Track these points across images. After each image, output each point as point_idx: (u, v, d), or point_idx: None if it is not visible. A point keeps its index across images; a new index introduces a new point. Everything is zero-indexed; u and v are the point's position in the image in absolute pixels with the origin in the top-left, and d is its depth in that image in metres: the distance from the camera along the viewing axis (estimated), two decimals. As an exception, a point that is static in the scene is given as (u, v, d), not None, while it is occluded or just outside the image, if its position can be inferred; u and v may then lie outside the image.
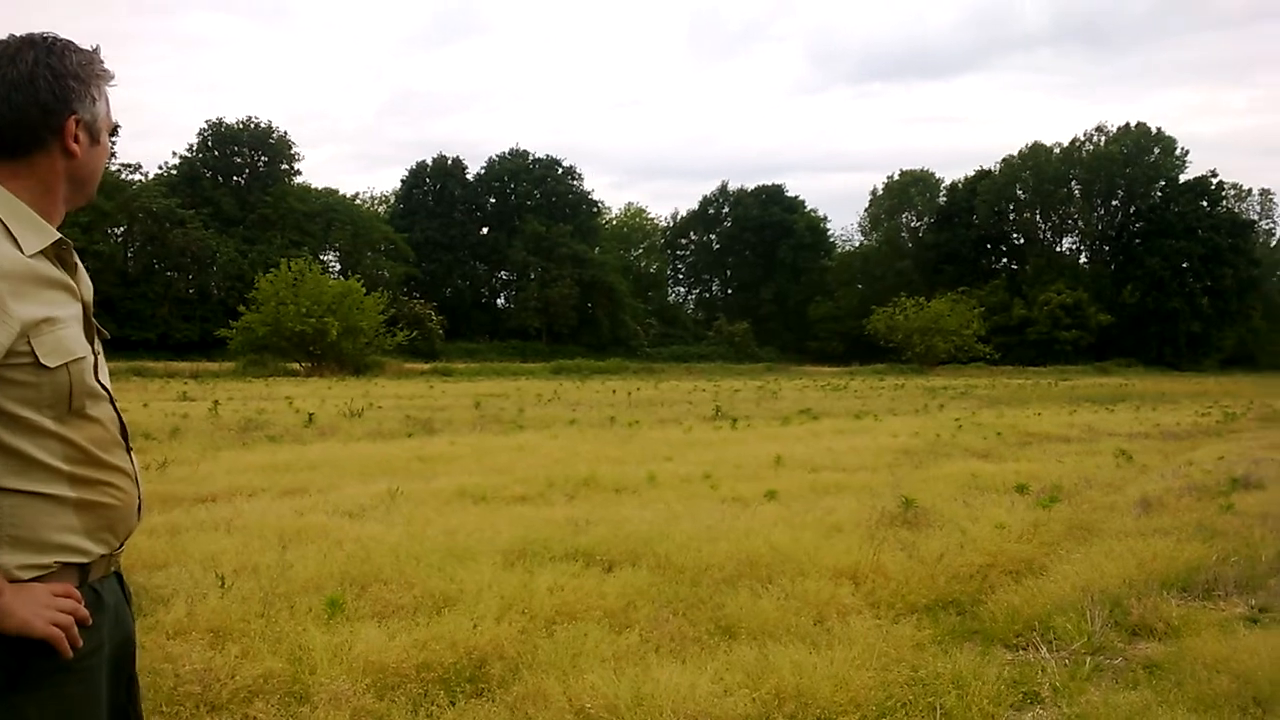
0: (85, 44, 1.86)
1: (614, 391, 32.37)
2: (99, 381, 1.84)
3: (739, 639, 4.82)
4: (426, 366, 54.61)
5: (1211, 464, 12.08)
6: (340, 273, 66.84)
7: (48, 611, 1.68)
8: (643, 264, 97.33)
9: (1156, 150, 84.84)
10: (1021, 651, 5.05)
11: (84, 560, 1.79)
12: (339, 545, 6.34)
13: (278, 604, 4.96)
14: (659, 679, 4.02)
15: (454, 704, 4.00)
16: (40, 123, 1.76)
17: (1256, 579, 6.30)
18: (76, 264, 1.85)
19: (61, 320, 1.74)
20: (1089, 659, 4.82)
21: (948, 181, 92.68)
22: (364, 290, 50.53)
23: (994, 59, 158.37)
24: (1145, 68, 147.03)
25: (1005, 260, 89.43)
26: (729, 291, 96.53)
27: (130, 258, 65.44)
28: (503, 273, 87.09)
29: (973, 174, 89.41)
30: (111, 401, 1.89)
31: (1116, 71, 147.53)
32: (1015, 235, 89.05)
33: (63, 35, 1.84)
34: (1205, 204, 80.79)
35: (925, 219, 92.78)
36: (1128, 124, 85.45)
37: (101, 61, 1.86)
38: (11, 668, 1.67)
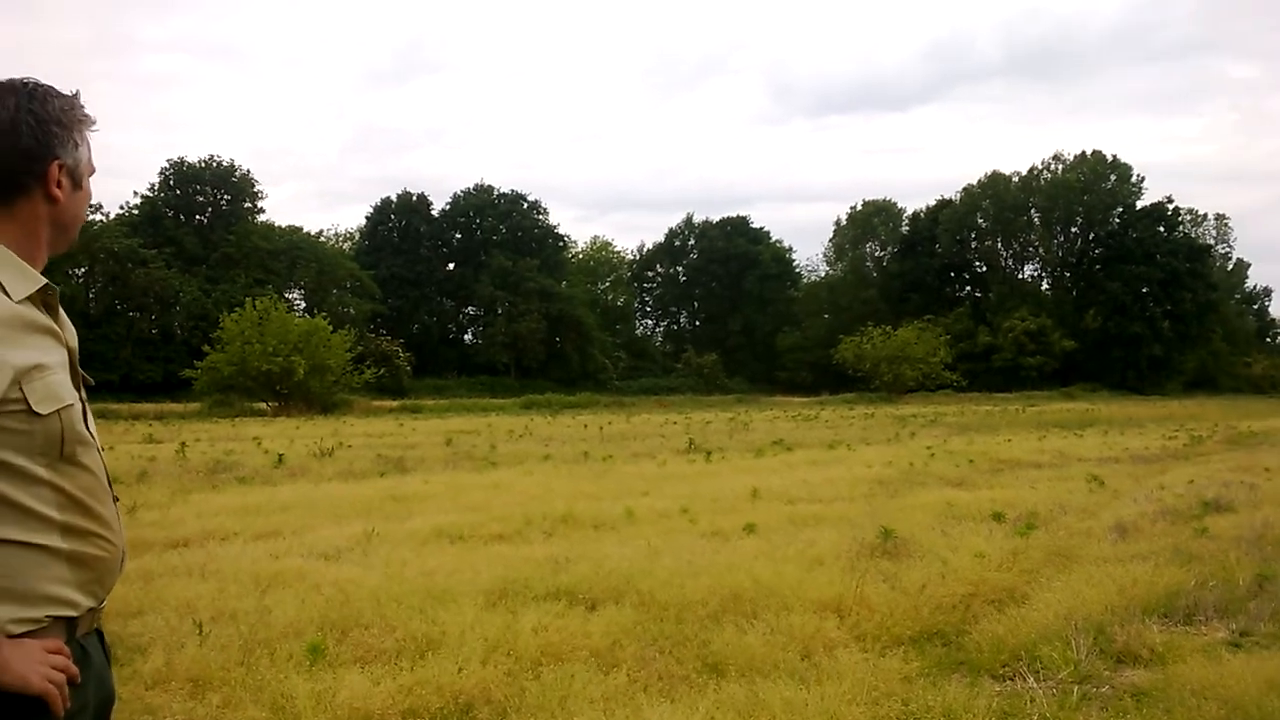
0: (62, 88, 1.84)
1: (585, 426, 32.27)
2: (87, 429, 1.81)
3: (727, 676, 4.79)
4: (395, 404, 54.23)
5: (1182, 487, 12.20)
6: (306, 311, 66.32)
7: (42, 668, 1.65)
8: (610, 297, 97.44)
9: (1113, 177, 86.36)
10: (1009, 682, 5.04)
11: (73, 614, 1.75)
12: (317, 589, 6.24)
13: (258, 651, 4.88)
14: (649, 720, 3.99)
15: (442, 751, 3.94)
16: (23, 168, 1.75)
17: (1236, 603, 6.35)
18: (59, 310, 1.82)
19: (50, 367, 1.72)
20: (1076, 688, 4.82)
21: (910, 211, 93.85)
22: (330, 328, 50.14)
23: (949, 91, 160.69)
24: (1097, 97, 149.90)
25: (969, 288, 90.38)
26: (697, 323, 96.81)
27: (92, 299, 64.61)
28: (470, 308, 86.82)
29: (934, 203, 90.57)
30: (99, 449, 1.85)
31: (1070, 102, 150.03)
32: (978, 263, 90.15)
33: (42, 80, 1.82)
34: (1163, 229, 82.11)
35: (889, 248, 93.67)
36: (1084, 152, 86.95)
37: (82, 106, 1.85)
38: None
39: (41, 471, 1.69)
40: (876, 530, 8.05)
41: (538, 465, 16.66)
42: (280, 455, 17.44)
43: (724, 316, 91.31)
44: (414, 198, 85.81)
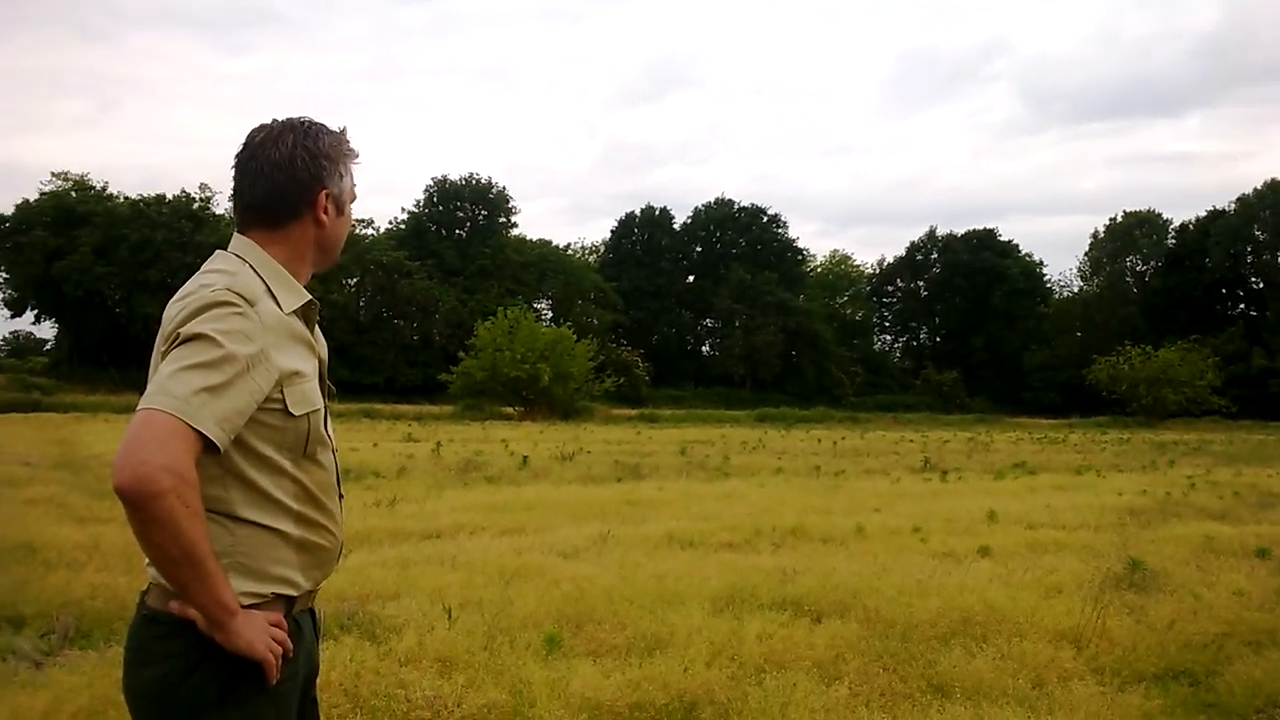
0: (332, 124, 2.10)
1: (819, 440, 32.02)
2: (326, 432, 2.06)
3: (952, 698, 4.73)
4: (633, 412, 55.61)
5: None
6: (552, 320, 69.11)
7: (265, 638, 1.86)
8: (848, 311, 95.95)
9: None
10: (1263, 728, 4.74)
11: (294, 593, 1.98)
12: (555, 584, 6.59)
13: (500, 638, 5.23)
14: (870, 733, 4.02)
15: (667, 744, 4.12)
16: (297, 197, 2.01)
17: None
18: (316, 324, 2.09)
19: (306, 375, 1.98)
20: (1340, 741, 4.47)
21: (1176, 223, 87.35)
22: (574, 337, 52.11)
23: (1225, 92, 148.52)
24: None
25: (1243, 306, 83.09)
26: (937, 339, 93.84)
27: (362, 306, 69.93)
28: (708, 320, 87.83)
29: (1204, 214, 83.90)
30: (334, 450, 2.11)
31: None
32: (1254, 279, 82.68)
33: (315, 119, 2.08)
34: None
35: (1152, 262, 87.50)
36: (1383, 158, 78.34)
37: (348, 141, 2.10)
38: (223, 684, 1.85)
39: (287, 465, 1.94)
40: (1124, 560, 7.66)
41: (770, 477, 16.74)
42: (525, 457, 18.34)
43: (967, 333, 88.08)
44: (656, 212, 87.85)
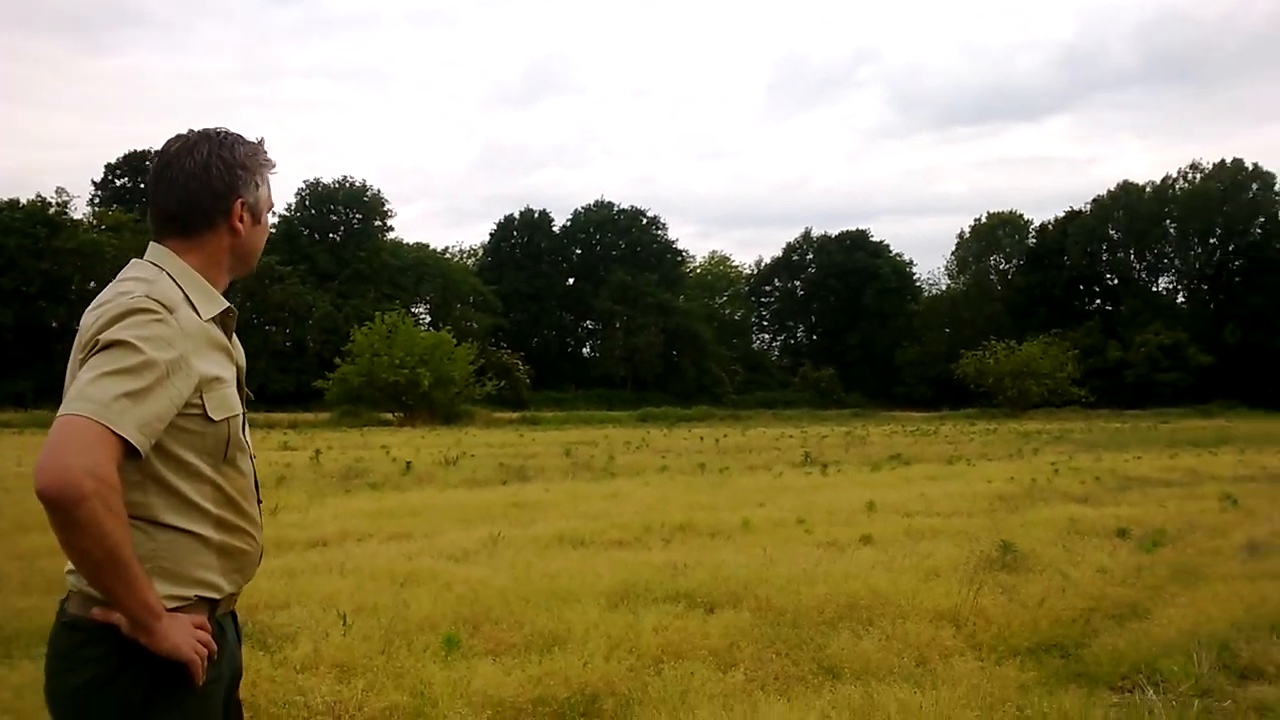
0: (248, 135, 2.11)
1: (701, 438, 32.44)
2: (244, 438, 2.09)
3: (843, 679, 4.91)
4: (515, 415, 55.32)
5: (1323, 508, 11.73)
6: (431, 324, 68.28)
7: (191, 640, 1.88)
8: (727, 311, 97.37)
9: (1255, 186, 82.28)
10: (1128, 694, 5.04)
11: (216, 596, 2.00)
12: (449, 587, 6.58)
13: (397, 642, 5.20)
14: (767, 716, 4.14)
15: (570, 737, 4.17)
16: (212, 206, 2.02)
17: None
18: (233, 332, 2.11)
19: (225, 380, 2.00)
20: (1197, 701, 4.79)
21: (1037, 223, 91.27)
22: (454, 341, 51.55)
23: (1083, 99, 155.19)
24: (1239, 104, 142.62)
25: (1099, 301, 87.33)
26: (814, 337, 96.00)
27: (232, 313, 67.69)
28: (588, 322, 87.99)
29: (1062, 215, 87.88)
30: (251, 456, 2.13)
31: (1209, 109, 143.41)
32: (1109, 276, 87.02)
33: (231, 129, 2.10)
34: (1310, 239, 78.05)
35: (1014, 261, 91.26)
36: (1223, 160, 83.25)
37: (265, 152, 2.12)
38: (149, 686, 1.86)
39: (207, 470, 1.96)
40: (995, 544, 8.03)
41: (655, 476, 16.92)
42: (408, 463, 18.11)
43: (842, 331, 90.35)
44: (536, 214, 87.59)
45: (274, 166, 2.14)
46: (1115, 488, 14.89)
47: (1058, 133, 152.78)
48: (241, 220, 2.06)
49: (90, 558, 1.73)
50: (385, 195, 78.62)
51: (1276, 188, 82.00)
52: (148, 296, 1.88)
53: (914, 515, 10.99)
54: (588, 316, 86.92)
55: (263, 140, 2.14)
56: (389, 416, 48.96)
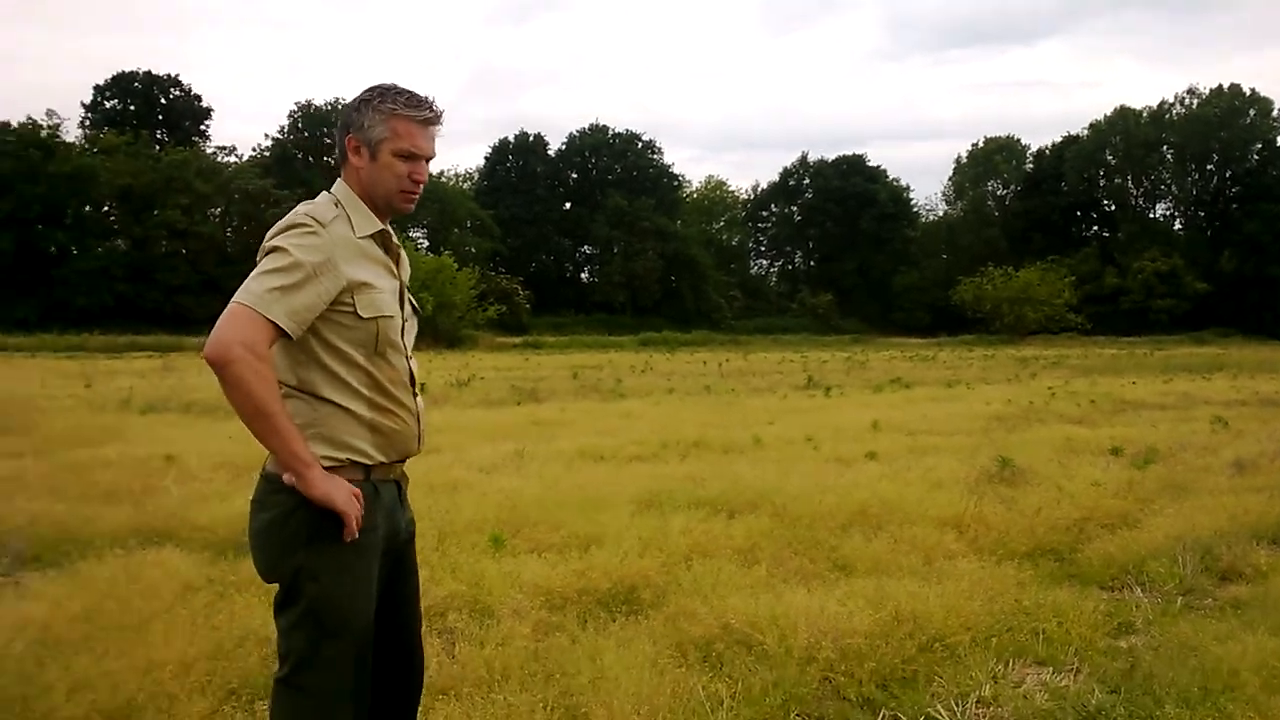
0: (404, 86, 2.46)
1: (704, 363, 32.90)
2: (402, 340, 2.49)
3: (856, 574, 5.37)
4: (517, 340, 55.79)
5: (1310, 429, 12.17)
6: (429, 249, 68.21)
7: (345, 494, 2.30)
8: (724, 237, 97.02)
9: (1252, 112, 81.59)
10: (1116, 592, 5.50)
11: (368, 462, 2.41)
12: (485, 496, 7.03)
13: (449, 540, 5.65)
14: (790, 602, 4.59)
15: (614, 620, 4.62)
16: (338, 141, 2.50)
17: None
18: (399, 252, 2.54)
19: (378, 288, 2.41)
20: (1180, 599, 5.25)
21: (1034, 148, 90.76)
22: (455, 266, 51.73)
23: (1079, 22, 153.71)
24: (1236, 27, 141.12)
25: (1096, 227, 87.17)
26: (811, 263, 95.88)
27: (229, 236, 67.51)
28: (586, 247, 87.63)
29: (1060, 140, 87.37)
30: (407, 356, 2.52)
31: (1207, 32, 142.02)
32: (1106, 202, 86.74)
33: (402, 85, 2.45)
34: (1306, 166, 77.77)
35: (1012, 187, 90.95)
36: (1220, 86, 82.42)
37: (404, 97, 2.42)
38: (312, 526, 2.30)
39: (360, 359, 2.39)
40: (995, 459, 8.47)
41: (664, 398, 17.38)
42: (422, 384, 18.45)
43: (839, 256, 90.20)
44: (530, 138, 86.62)
45: (400, 111, 2.40)
46: (1110, 411, 15.35)
47: (1053, 56, 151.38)
48: (358, 154, 2.43)
49: (244, 410, 2.18)
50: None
51: (1274, 114, 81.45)
52: (306, 214, 2.34)
53: (917, 434, 11.45)
54: (585, 242, 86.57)
55: (421, 94, 2.46)
56: (392, 340, 49.27)
